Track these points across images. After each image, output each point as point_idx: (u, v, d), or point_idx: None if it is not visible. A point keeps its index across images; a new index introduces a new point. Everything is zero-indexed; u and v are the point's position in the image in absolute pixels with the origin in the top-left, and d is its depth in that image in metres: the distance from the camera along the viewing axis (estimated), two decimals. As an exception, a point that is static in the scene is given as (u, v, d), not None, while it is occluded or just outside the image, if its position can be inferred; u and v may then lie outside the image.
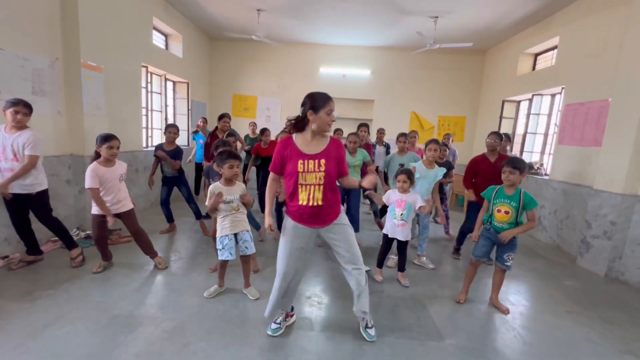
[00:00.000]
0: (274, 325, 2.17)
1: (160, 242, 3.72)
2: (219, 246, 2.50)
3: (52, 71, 3.45)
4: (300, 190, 1.90)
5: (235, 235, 2.52)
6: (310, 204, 1.89)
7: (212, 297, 2.56)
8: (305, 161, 1.87)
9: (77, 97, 3.65)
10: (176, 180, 3.97)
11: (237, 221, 2.51)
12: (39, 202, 2.82)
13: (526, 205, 2.44)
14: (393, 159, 3.87)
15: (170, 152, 3.84)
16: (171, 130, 3.90)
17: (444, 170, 3.35)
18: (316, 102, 1.86)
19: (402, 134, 3.87)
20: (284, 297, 2.10)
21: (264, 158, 4.63)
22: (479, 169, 3.55)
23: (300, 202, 1.90)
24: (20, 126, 2.65)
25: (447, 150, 4.51)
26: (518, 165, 2.45)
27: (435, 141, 3.30)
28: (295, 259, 2.01)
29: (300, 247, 2.00)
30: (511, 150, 5.97)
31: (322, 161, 1.87)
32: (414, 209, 2.85)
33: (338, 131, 5.41)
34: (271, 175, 2.03)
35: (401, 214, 2.83)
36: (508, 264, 2.56)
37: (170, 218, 4.09)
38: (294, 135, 1.97)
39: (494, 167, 3.46)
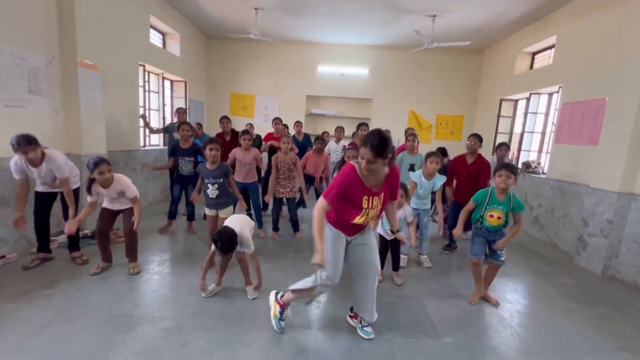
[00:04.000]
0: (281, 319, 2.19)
1: (158, 241, 3.72)
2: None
3: (48, 70, 3.43)
4: (359, 217, 1.89)
5: None
6: (363, 223, 1.96)
7: (210, 296, 2.56)
8: (370, 198, 1.86)
9: (74, 96, 3.63)
10: (190, 179, 3.93)
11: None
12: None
13: (515, 209, 2.52)
14: (404, 159, 3.86)
15: (188, 151, 3.88)
16: (184, 127, 3.92)
17: (443, 179, 3.34)
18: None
19: (413, 133, 3.89)
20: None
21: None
22: (457, 169, 3.66)
23: (354, 221, 1.91)
24: (37, 161, 2.65)
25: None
26: (514, 170, 2.49)
27: (436, 154, 3.28)
28: (340, 263, 2.02)
29: (342, 253, 2.03)
30: (514, 157, 5.97)
31: (382, 195, 1.90)
32: (405, 221, 2.93)
33: (338, 129, 5.38)
34: (323, 202, 1.85)
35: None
36: (502, 258, 2.61)
37: (173, 216, 4.09)
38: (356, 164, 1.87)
39: (469, 170, 3.60)
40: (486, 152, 5.78)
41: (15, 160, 2.66)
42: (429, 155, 3.29)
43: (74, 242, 3.06)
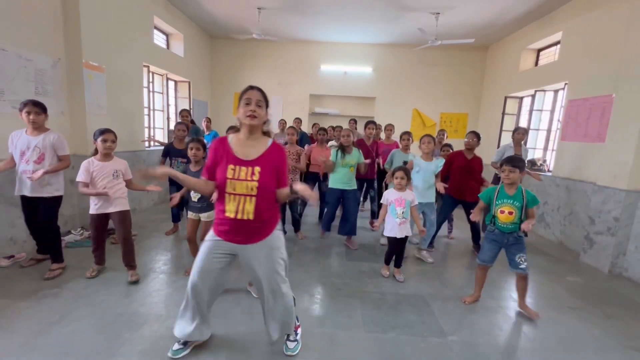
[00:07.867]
0: (176, 346, 1.88)
1: (164, 241, 3.75)
2: None
3: (54, 71, 3.47)
4: (227, 200, 1.62)
5: None
6: (239, 217, 1.62)
7: None
8: (237, 167, 1.61)
9: (80, 97, 3.67)
10: None
11: None
12: (50, 205, 2.79)
13: (529, 203, 2.43)
14: (395, 155, 3.90)
15: (181, 151, 3.81)
16: (179, 127, 3.88)
17: (442, 160, 3.47)
18: (241, 95, 1.64)
19: (406, 132, 4.02)
20: (193, 315, 1.84)
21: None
22: (454, 164, 3.72)
23: (226, 214, 1.63)
24: (38, 127, 2.70)
25: (450, 149, 4.37)
26: (517, 163, 2.44)
27: (429, 135, 3.45)
28: (211, 276, 1.74)
29: (218, 265, 1.73)
30: (525, 143, 5.85)
31: (257, 169, 1.61)
32: (410, 205, 2.95)
33: (351, 121, 5.39)
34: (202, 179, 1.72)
35: (402, 212, 2.89)
36: (522, 266, 2.45)
37: (176, 218, 4.07)
38: (230, 135, 1.71)
39: (468, 164, 3.68)
40: (491, 149, 5.74)
41: (13, 134, 2.71)
42: (423, 136, 3.45)
43: (58, 252, 2.83)
